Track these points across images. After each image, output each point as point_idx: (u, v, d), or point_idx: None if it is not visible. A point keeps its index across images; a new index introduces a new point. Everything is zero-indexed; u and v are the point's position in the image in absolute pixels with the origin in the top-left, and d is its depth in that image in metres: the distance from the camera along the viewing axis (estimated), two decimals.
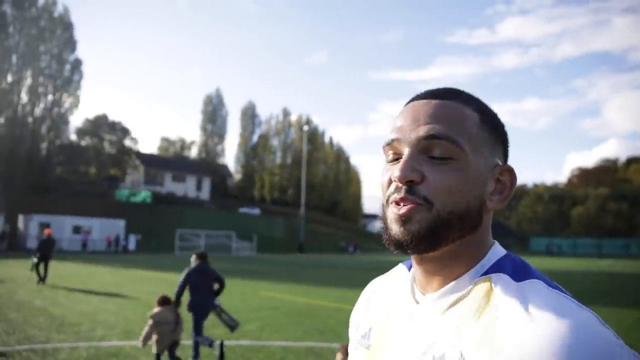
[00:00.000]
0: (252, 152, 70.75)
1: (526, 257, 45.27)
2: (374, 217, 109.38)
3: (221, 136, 66.38)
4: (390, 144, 0.68)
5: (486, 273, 0.65)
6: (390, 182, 0.67)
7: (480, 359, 0.57)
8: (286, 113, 74.77)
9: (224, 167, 67.78)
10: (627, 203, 69.14)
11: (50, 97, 46.69)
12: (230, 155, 74.67)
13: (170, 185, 55.04)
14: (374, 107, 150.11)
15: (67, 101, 47.49)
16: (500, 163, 0.69)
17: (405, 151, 0.65)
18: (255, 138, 71.60)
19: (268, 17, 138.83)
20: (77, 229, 34.35)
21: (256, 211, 55.55)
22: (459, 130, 0.65)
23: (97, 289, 11.98)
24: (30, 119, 45.22)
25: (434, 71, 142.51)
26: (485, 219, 0.68)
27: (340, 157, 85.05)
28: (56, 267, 18.47)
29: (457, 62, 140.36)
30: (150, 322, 5.03)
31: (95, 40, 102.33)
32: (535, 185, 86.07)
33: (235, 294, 11.86)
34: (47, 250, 13.65)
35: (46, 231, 15.13)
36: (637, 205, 68.85)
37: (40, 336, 6.50)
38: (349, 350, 0.84)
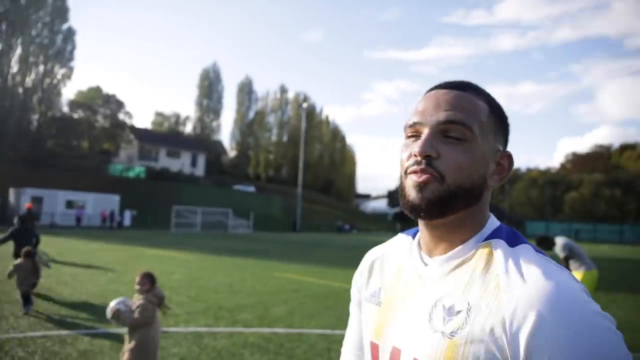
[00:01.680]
0: (248, 129, 69.63)
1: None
2: (366, 197, 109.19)
3: (217, 112, 65.07)
4: (412, 126, 0.80)
5: (487, 239, 0.77)
6: (409, 156, 0.78)
7: (484, 308, 0.69)
8: (283, 90, 73.49)
9: (219, 144, 66.67)
10: (620, 189, 69.44)
11: (41, 68, 45.09)
12: (225, 132, 73.60)
13: (164, 161, 53.89)
14: (369, 86, 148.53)
15: (59, 72, 45.92)
16: (502, 149, 0.81)
17: (426, 131, 0.77)
18: (251, 115, 70.42)
19: None
20: (70, 204, 33.42)
21: (251, 189, 54.83)
22: (472, 118, 0.76)
23: (102, 267, 11.31)
24: (20, 90, 43.70)
25: (430, 51, 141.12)
26: (485, 195, 0.80)
27: (336, 136, 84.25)
28: (53, 243, 17.72)
29: (454, 43, 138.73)
30: (11, 268, 6.41)
31: (89, 13, 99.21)
32: (529, 170, 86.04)
33: (248, 274, 11.27)
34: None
35: (27, 205, 14.47)
36: (630, 192, 69.19)
37: (53, 321, 5.84)
38: (350, 308, 1.00)
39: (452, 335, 0.70)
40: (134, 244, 19.04)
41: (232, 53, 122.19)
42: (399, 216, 78.29)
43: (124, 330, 5.55)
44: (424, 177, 0.74)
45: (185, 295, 8.02)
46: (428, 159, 0.75)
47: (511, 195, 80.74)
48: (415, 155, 0.76)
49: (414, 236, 0.90)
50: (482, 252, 0.75)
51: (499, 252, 0.73)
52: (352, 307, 1.00)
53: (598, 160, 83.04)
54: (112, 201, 34.76)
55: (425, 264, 0.82)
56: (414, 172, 0.76)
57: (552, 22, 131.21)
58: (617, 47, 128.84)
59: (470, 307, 0.70)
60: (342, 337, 5.83)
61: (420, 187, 0.75)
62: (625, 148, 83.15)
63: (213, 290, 8.68)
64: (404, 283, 0.84)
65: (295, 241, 28.69)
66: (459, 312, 0.71)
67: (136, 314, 3.34)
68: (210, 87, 64.13)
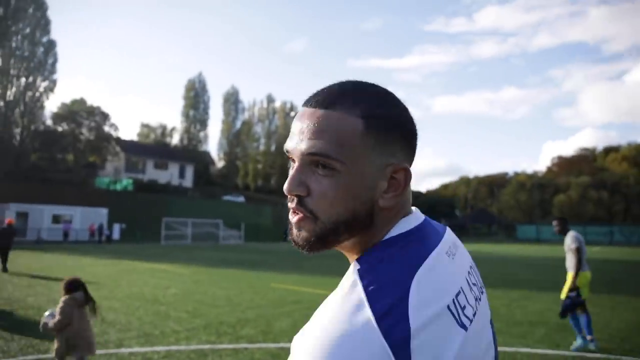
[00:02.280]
0: (235, 139, 69.22)
1: (514, 244, 45.52)
2: None
3: (203, 122, 64.60)
4: (287, 154, 0.73)
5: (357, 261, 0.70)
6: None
7: None
8: (270, 99, 73.34)
9: (207, 154, 66.14)
10: (606, 191, 70.44)
11: (22, 81, 44.33)
12: (212, 143, 73.16)
13: (152, 173, 53.22)
14: None
15: (41, 85, 45.18)
16: (395, 162, 0.71)
17: (295, 164, 0.71)
18: (238, 124, 70.05)
19: (245, 1, 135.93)
20: (56, 219, 32.69)
21: (240, 199, 54.36)
22: (339, 144, 0.68)
23: (93, 282, 10.90)
24: (1, 103, 42.88)
25: (412, 59, 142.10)
26: (381, 216, 0.72)
27: None
28: (40, 259, 17.20)
29: (436, 51, 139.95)
30: None
31: (70, 25, 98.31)
32: (516, 174, 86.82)
33: (245, 286, 10.97)
34: (6, 240, 13.21)
35: (7, 220, 14.43)
36: (616, 193, 70.26)
37: (47, 343, 5.50)
38: None
39: None
40: (124, 258, 18.56)
41: (216, 64, 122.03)
42: None
43: (124, 350, 5.26)
44: (297, 218, 0.70)
45: (183, 311, 7.69)
46: (299, 197, 0.70)
47: (500, 199, 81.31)
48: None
49: None
50: (348, 274, 0.68)
51: (345, 277, 0.67)
52: None
53: (583, 163, 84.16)
54: (100, 215, 34.10)
55: None
56: (289, 209, 0.72)
57: (531, 29, 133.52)
58: (595, 53, 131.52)
59: None
60: None
61: (296, 227, 0.71)
62: (609, 151, 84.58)
63: (211, 305, 8.36)
64: None
65: (287, 251, 28.35)
66: None
67: (57, 316, 3.78)
68: (196, 97, 63.72)
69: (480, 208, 78.07)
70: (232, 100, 68.17)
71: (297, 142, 0.70)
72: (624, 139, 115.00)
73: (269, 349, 5.52)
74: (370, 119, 0.70)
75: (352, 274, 0.66)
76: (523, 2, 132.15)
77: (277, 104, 74.31)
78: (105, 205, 35.52)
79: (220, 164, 70.63)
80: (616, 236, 53.13)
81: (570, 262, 6.24)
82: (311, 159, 0.69)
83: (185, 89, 63.42)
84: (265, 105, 73.43)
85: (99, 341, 5.60)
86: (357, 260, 0.68)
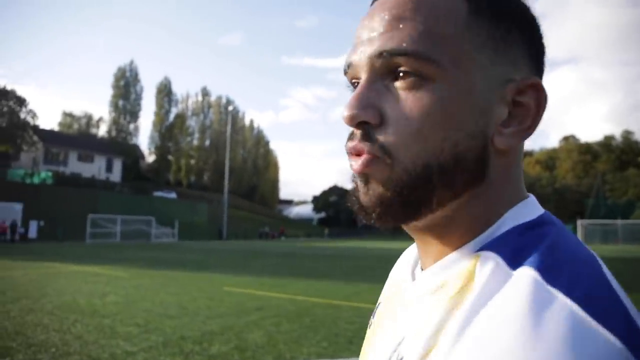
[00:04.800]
0: (168, 133, 65.91)
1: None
2: (289, 202, 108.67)
3: (134, 114, 60.72)
4: (348, 72, 0.48)
5: (483, 248, 0.43)
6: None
7: None
8: (205, 93, 70.71)
9: (137, 148, 62.29)
10: None
11: None
12: (143, 136, 69.52)
13: (75, 166, 49.02)
14: (286, 92, 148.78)
15: None
16: (519, 76, 0.44)
17: (362, 78, 0.45)
18: (171, 118, 66.79)
19: None
20: None
21: (172, 195, 51.75)
22: (432, 34, 0.41)
23: (10, 291, 9.23)
24: None
25: None
26: (498, 165, 0.44)
27: (259, 140, 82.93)
28: None
29: None
30: None
31: None
32: None
33: (196, 291, 9.80)
34: None
35: None
36: (531, 192, 76.65)
37: None
38: None
39: None
40: (45, 260, 16.43)
41: (149, 53, 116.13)
42: (325, 221, 78.58)
43: None
44: (361, 161, 0.43)
45: (132, 324, 6.48)
46: (364, 128, 0.43)
47: None
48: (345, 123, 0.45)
49: None
50: (463, 272, 0.42)
51: (482, 277, 0.39)
52: None
53: None
54: (12, 210, 30.59)
55: (414, 279, 0.53)
56: (349, 152, 0.45)
57: None
58: None
59: None
60: None
61: (362, 179, 0.44)
62: (524, 155, 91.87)
63: (164, 315, 7.19)
64: (392, 304, 0.55)
65: (227, 250, 27.01)
66: None
67: None
68: (126, 87, 59.76)
69: None
70: (165, 92, 64.80)
71: (365, 44, 0.44)
72: (537, 145, 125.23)
73: None
74: (482, 0, 0.43)
75: (518, 284, 0.36)
76: None
77: (213, 98, 71.86)
78: (20, 200, 31.97)
79: (150, 158, 66.96)
80: None
81: None
82: (387, 64, 0.42)
83: (115, 78, 59.21)
84: (200, 98, 70.77)
85: None
86: (505, 260, 0.40)
